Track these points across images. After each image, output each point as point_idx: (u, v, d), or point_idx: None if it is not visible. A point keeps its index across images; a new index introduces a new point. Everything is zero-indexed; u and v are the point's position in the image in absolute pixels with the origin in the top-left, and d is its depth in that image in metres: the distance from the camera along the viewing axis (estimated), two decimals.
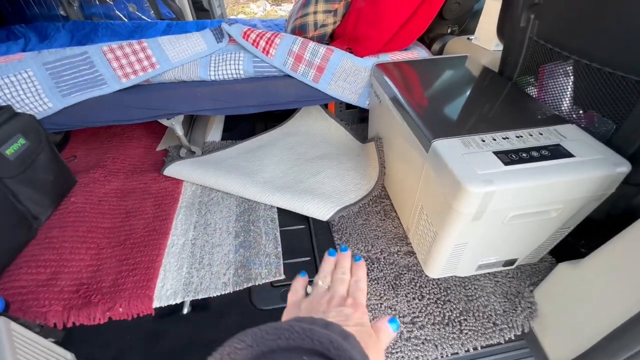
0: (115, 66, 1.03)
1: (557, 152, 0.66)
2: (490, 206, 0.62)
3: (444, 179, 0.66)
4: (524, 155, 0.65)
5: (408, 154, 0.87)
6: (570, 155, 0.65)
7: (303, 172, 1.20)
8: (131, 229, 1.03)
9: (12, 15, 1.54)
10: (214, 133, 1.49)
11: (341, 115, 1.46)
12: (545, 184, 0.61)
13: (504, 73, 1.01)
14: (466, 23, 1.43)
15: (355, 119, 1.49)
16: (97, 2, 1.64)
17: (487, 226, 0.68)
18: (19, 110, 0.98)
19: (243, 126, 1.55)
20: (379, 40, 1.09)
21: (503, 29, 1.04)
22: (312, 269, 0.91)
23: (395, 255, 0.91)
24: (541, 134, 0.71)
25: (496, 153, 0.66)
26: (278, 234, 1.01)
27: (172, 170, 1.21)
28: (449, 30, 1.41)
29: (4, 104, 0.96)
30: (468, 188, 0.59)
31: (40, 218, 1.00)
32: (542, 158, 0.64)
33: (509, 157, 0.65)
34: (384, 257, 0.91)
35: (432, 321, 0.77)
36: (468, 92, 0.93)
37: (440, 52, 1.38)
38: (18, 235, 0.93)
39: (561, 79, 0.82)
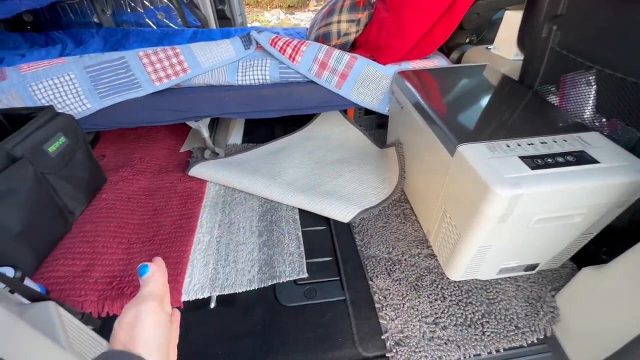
0: (149, 70, 1.09)
1: (582, 158, 0.67)
2: (516, 209, 0.64)
3: (471, 182, 0.69)
4: (550, 160, 0.67)
5: (431, 159, 0.90)
6: (595, 161, 0.66)
7: (323, 176, 1.23)
8: (159, 225, 1.07)
9: (49, 22, 1.64)
10: (235, 136, 1.54)
11: (360, 120, 1.49)
12: (571, 188, 0.63)
13: (525, 82, 1.03)
14: (484, 33, 1.46)
15: (374, 124, 1.52)
16: (129, 10, 1.73)
17: (512, 229, 0.69)
18: (60, 111, 1.04)
19: (263, 130, 1.59)
20: (401, 49, 1.13)
21: (524, 40, 1.07)
22: (334, 269, 0.94)
23: (416, 258, 0.93)
24: (565, 141, 0.73)
25: (522, 158, 0.68)
26: (300, 234, 1.04)
27: (197, 170, 1.25)
28: (467, 40, 1.44)
29: (47, 104, 1.02)
30: (496, 191, 0.61)
31: (75, 213, 1.05)
32: (568, 163, 0.66)
33: (535, 162, 0.67)
34: (405, 259, 0.93)
35: (455, 322, 0.78)
36: (490, 100, 0.95)
37: (459, 60, 1.41)
38: (56, 228, 0.98)
39: (583, 88, 0.84)
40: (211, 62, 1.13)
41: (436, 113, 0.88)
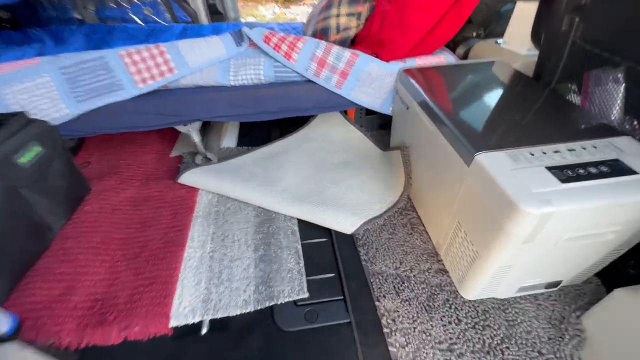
0: (132, 71, 1.00)
1: (617, 168, 0.60)
2: (545, 228, 0.56)
3: (492, 196, 0.61)
4: (581, 171, 0.59)
5: (442, 166, 0.82)
6: (632, 172, 0.59)
7: (323, 181, 1.15)
8: (146, 240, 0.99)
9: (27, 19, 1.53)
10: (229, 139, 1.45)
11: (360, 121, 1.41)
12: (607, 204, 0.56)
13: (541, 79, 0.95)
14: (492, 26, 1.37)
15: (375, 125, 1.44)
16: (113, 5, 1.62)
17: (538, 248, 0.62)
18: (35, 117, 0.95)
19: (258, 132, 1.51)
20: (405, 45, 1.04)
21: (539, 33, 0.98)
22: (337, 287, 0.86)
23: (426, 274, 0.86)
24: (595, 147, 0.65)
25: (549, 169, 0.60)
26: (300, 247, 0.96)
27: (188, 177, 1.17)
28: (474, 34, 1.36)
29: (20, 109, 0.93)
30: (524, 209, 0.54)
31: (54, 228, 0.97)
32: (602, 175, 0.58)
33: (565, 174, 0.59)
34: (414, 276, 0.85)
35: (472, 348, 0.71)
36: (506, 100, 0.87)
37: (465, 56, 1.33)
38: (32, 247, 0.89)
39: (611, 86, 0.76)
40: (200, 60, 1.04)
41: (446, 115, 0.80)
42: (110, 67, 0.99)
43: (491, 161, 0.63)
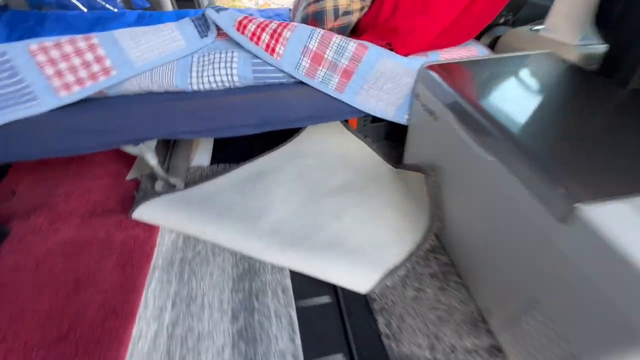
0: (49, 73, 0.71)
1: None
2: None
3: (619, 281, 0.36)
4: None
5: (502, 210, 0.57)
6: None
7: (322, 213, 0.89)
8: (79, 310, 0.71)
9: None
10: (201, 155, 1.17)
11: (364, 130, 1.15)
12: None
13: (615, 77, 0.71)
14: (521, 10, 1.13)
15: (382, 134, 1.18)
16: None
17: None
18: None
19: (238, 145, 1.22)
20: (429, 33, 0.78)
21: (610, 16, 0.74)
22: None
23: (474, 355, 0.61)
24: None
25: None
26: (294, 314, 0.70)
27: (144, 212, 0.89)
28: (502, 20, 1.11)
29: None
30: None
31: None
32: None
33: None
34: None
35: None
36: (582, 109, 0.62)
37: (492, 47, 1.08)
38: None
39: None
40: (148, 57, 0.76)
41: (505, 133, 0.54)
42: (17, 68, 0.69)
43: (612, 219, 0.38)
